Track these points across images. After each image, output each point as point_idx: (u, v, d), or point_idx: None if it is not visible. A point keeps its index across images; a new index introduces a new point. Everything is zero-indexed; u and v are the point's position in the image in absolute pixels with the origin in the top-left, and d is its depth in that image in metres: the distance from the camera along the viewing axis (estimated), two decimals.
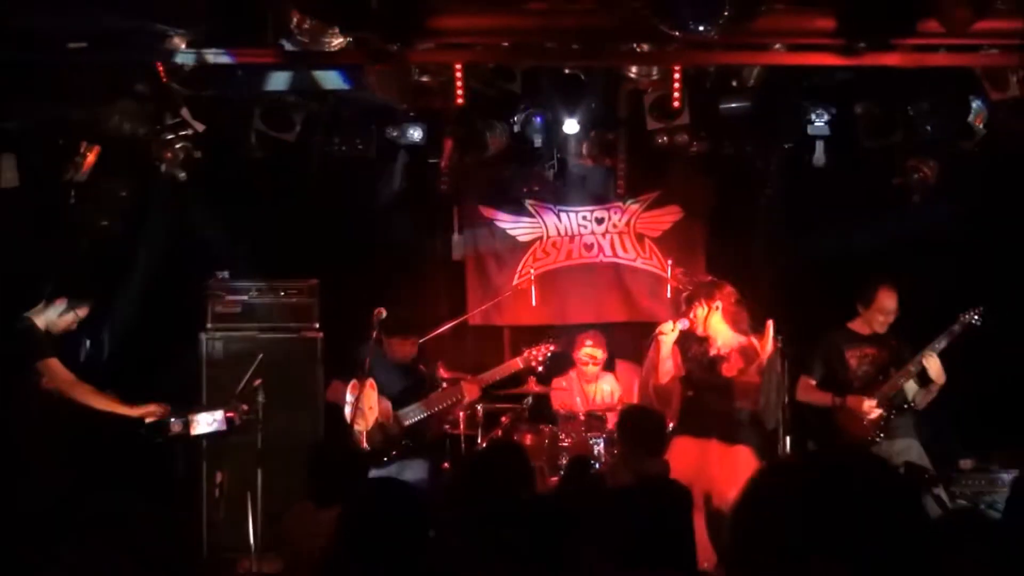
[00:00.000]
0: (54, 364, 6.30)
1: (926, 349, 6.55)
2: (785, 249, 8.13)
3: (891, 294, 6.69)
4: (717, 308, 6.42)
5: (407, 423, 6.98)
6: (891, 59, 6.00)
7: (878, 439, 6.56)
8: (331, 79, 6.67)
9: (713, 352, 6.43)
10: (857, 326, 6.80)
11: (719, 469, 6.14)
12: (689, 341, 6.52)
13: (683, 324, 6.43)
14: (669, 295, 7.84)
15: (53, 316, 6.44)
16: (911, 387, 6.63)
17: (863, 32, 5.54)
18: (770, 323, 6.24)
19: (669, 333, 6.46)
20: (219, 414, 6.68)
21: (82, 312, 6.52)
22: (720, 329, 6.44)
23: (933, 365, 6.50)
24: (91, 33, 5.81)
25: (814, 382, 6.76)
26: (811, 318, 7.51)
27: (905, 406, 6.59)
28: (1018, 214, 7.54)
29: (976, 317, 6.55)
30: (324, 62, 6.28)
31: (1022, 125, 6.90)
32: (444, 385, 7.13)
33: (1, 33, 5.75)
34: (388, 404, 6.96)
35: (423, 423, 7.07)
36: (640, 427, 5.48)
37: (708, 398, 6.45)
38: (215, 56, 6.03)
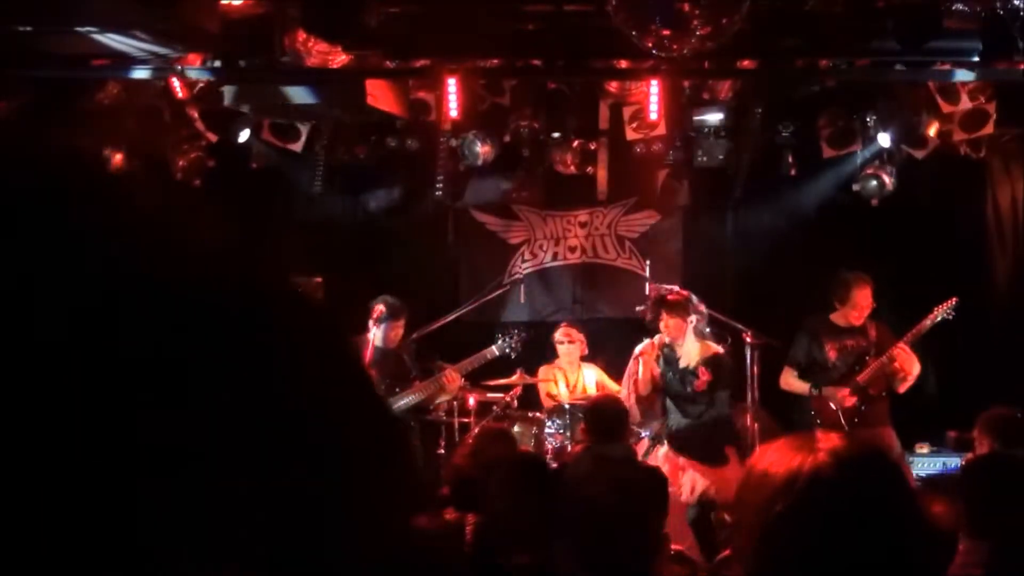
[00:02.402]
0: None
1: (898, 343, 6.66)
2: (754, 249, 8.52)
3: (865, 291, 6.77)
4: (690, 323, 6.72)
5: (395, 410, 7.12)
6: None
7: (852, 425, 6.67)
8: (300, 94, 6.66)
9: (683, 365, 6.74)
10: (837, 318, 6.88)
11: (702, 465, 6.55)
12: (663, 357, 6.84)
13: (659, 340, 6.80)
14: (648, 292, 7.98)
15: None
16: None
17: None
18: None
19: (649, 353, 6.82)
20: None
21: None
22: (690, 347, 6.73)
23: (906, 358, 6.64)
24: (115, 53, 6.09)
25: (796, 372, 6.96)
26: (781, 313, 7.95)
27: (884, 394, 6.76)
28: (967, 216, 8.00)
29: (950, 311, 6.68)
30: (329, 79, 6.47)
31: (971, 136, 7.31)
32: (442, 371, 7.26)
33: (34, 54, 6.09)
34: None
35: (410, 410, 7.19)
36: (599, 415, 5.66)
37: (683, 406, 6.79)
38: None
